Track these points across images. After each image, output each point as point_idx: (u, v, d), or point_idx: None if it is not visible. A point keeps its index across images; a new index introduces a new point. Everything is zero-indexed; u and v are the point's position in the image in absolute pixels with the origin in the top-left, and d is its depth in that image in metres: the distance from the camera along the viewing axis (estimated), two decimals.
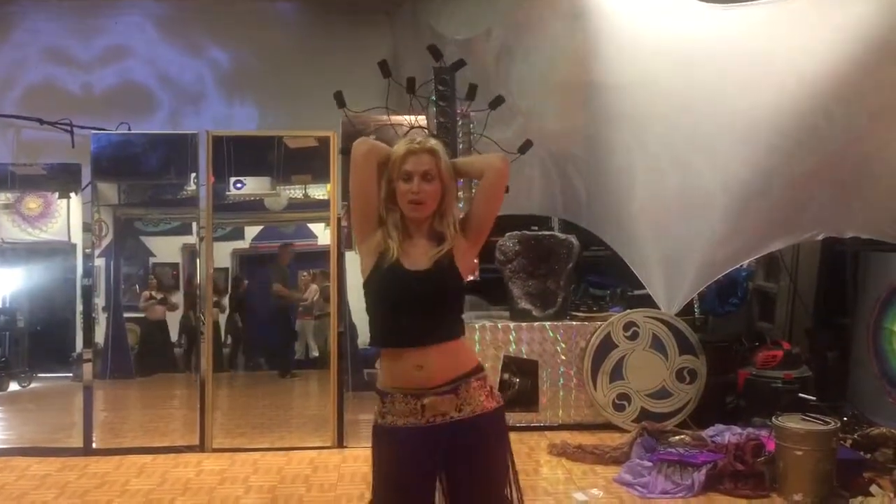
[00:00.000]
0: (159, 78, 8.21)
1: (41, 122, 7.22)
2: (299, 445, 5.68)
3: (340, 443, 5.69)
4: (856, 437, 5.22)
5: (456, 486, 2.47)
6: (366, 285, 2.49)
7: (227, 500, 4.68)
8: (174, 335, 6.46)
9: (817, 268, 6.67)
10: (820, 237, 5.60)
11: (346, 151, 5.43)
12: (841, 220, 5.39)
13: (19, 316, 6.80)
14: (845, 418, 5.47)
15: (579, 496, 4.71)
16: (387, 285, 2.43)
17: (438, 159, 2.45)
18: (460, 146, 6.26)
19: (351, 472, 5.10)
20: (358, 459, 5.35)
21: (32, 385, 6.77)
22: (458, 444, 2.43)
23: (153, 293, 6.39)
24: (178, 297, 6.48)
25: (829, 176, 5.25)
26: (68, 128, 7.04)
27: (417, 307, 2.40)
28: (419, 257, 2.43)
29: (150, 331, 6.39)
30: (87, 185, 6.04)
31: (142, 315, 6.44)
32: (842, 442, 4.91)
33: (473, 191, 6.30)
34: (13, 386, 6.78)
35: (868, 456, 4.99)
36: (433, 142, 2.49)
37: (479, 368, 2.53)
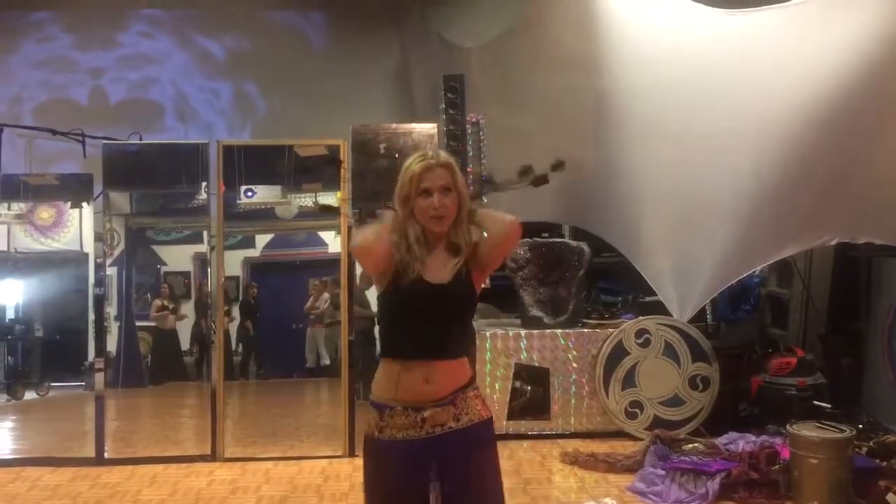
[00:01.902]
0: (169, 87, 8.25)
1: (53, 132, 7.24)
2: (310, 455, 5.67)
3: (352, 452, 5.66)
4: (871, 444, 5.16)
5: (450, 494, 2.46)
6: (383, 297, 2.50)
7: None
8: (186, 344, 6.48)
9: (830, 273, 6.62)
10: (833, 243, 5.56)
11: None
12: (854, 225, 5.35)
13: (36, 326, 6.85)
14: (860, 425, 5.42)
15: None
16: (411, 298, 2.43)
17: (454, 172, 2.46)
18: (470, 153, 6.28)
19: (362, 482, 5.06)
20: None
21: (46, 394, 6.82)
22: (455, 453, 2.45)
23: (165, 302, 6.41)
24: (189, 306, 6.50)
25: (841, 181, 5.21)
26: (80, 138, 7.06)
27: (438, 319, 2.42)
28: (439, 270, 2.45)
29: (162, 340, 6.41)
30: (98, 195, 6.05)
31: (153, 324, 6.47)
32: (857, 450, 4.87)
33: (485, 199, 6.32)
34: (28, 395, 6.83)
35: (884, 464, 4.93)
36: (445, 155, 2.50)
37: (474, 379, 2.58)
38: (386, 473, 2.47)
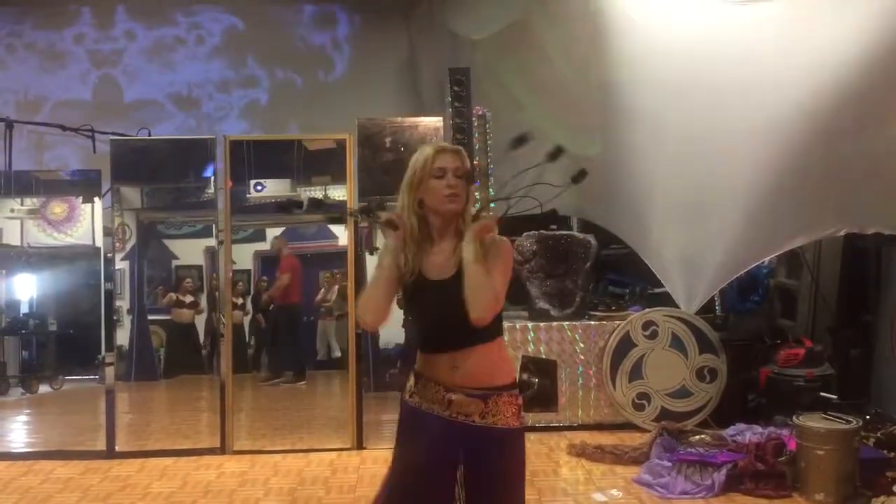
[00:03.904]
0: (178, 81, 8.29)
1: (63, 128, 7.28)
2: (319, 447, 5.71)
3: (360, 444, 5.71)
4: (879, 435, 5.13)
5: (474, 495, 2.47)
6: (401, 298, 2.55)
7: (247, 502, 4.72)
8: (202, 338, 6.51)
9: (839, 264, 6.57)
10: (842, 233, 5.53)
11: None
12: (863, 215, 5.30)
13: (49, 320, 6.91)
14: (868, 416, 5.39)
15: (599, 497, 4.69)
16: (416, 297, 2.47)
17: (464, 160, 2.49)
18: (476, 147, 6.29)
19: (371, 474, 5.11)
20: (377, 461, 5.36)
21: (60, 387, 6.88)
22: (479, 453, 2.45)
23: (181, 297, 6.45)
24: (202, 300, 6.54)
25: (850, 171, 5.17)
26: (90, 134, 7.10)
27: (449, 314, 2.40)
28: (443, 265, 2.45)
29: (178, 334, 6.45)
30: (107, 191, 6.10)
31: (167, 318, 6.50)
32: (864, 441, 4.85)
33: (491, 191, 6.33)
34: (42, 388, 6.89)
35: (892, 455, 4.91)
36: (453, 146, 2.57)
37: (514, 385, 2.55)
38: (412, 441, 2.52)
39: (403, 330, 5.71)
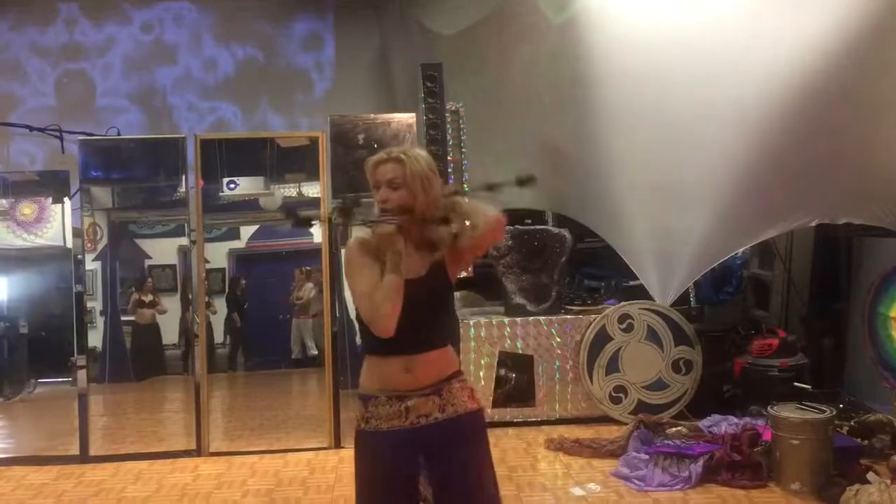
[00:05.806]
0: (145, 80, 8.20)
1: (30, 128, 7.17)
2: (296, 447, 5.68)
3: (337, 443, 5.68)
4: (852, 423, 5.22)
5: (440, 487, 2.47)
6: None
7: None
8: (173, 337, 6.44)
9: (811, 255, 6.64)
10: (813, 224, 5.56)
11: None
12: (834, 206, 5.34)
13: (21, 323, 6.81)
14: (842, 405, 5.46)
15: (577, 491, 4.71)
16: None
17: (405, 167, 2.44)
18: (450, 142, 6.27)
19: (349, 473, 5.01)
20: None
21: (33, 391, 6.79)
22: (441, 445, 2.46)
23: (142, 297, 6.36)
24: (175, 299, 6.47)
25: (820, 162, 5.20)
26: (58, 134, 7.01)
27: (414, 313, 2.40)
28: (412, 264, 2.44)
29: (141, 334, 6.37)
30: (76, 192, 6.02)
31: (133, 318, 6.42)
32: (838, 429, 4.91)
33: (465, 186, 6.31)
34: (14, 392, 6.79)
35: (865, 443, 4.98)
36: (403, 151, 2.49)
37: (461, 371, 2.59)
38: (375, 465, 2.49)
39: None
